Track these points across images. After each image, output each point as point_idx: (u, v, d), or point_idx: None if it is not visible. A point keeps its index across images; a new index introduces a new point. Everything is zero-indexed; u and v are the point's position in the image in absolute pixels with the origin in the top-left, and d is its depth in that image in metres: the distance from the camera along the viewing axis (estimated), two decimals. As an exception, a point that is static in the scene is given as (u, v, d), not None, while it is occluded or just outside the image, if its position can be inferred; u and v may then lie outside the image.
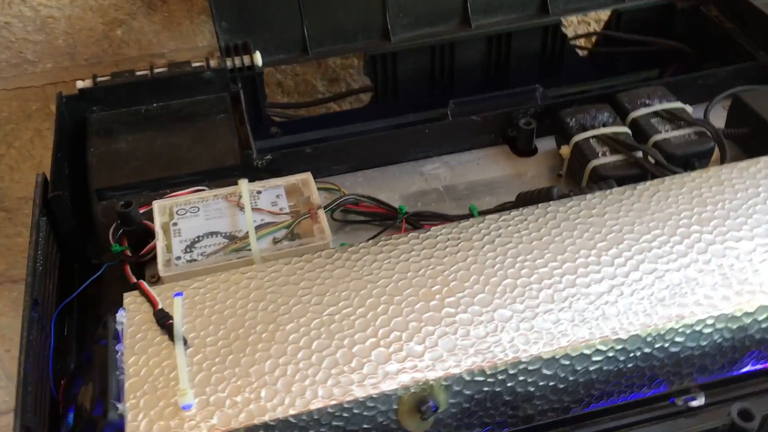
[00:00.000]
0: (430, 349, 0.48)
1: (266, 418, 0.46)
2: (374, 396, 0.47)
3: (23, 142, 0.99)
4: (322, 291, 0.53)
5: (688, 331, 0.50)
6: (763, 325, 0.51)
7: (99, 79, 0.74)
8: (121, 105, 0.74)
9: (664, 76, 0.88)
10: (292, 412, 0.46)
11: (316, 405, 0.46)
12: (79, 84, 0.73)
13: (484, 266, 0.53)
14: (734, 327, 0.50)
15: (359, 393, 0.47)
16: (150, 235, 0.63)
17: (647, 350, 0.50)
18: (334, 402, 0.46)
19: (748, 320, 0.50)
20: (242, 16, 0.78)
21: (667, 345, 0.50)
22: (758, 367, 0.53)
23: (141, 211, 0.63)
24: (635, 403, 0.52)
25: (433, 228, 0.57)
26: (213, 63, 0.75)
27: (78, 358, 0.56)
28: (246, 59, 0.76)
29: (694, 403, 0.51)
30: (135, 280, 0.59)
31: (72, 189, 0.68)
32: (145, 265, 0.63)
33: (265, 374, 0.48)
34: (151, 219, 0.63)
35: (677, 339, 0.50)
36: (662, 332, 0.49)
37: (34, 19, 0.89)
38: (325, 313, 0.51)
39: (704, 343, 0.50)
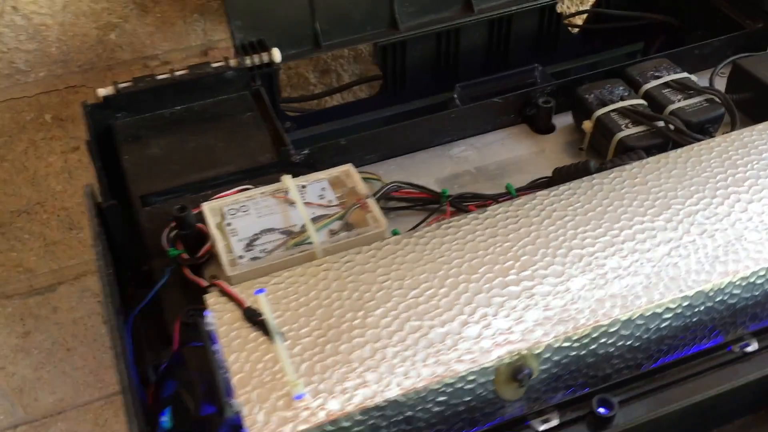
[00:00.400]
0: (517, 322, 0.52)
1: (377, 399, 0.48)
2: (474, 370, 0.50)
3: (16, 154, 0.97)
4: (401, 276, 0.55)
5: (743, 284, 0.54)
6: (806, 272, 0.56)
7: (121, 85, 0.73)
8: (145, 110, 0.74)
9: (651, 49, 0.93)
10: (400, 392, 0.49)
11: (421, 384, 0.49)
12: (102, 91, 0.72)
13: (548, 240, 0.57)
14: (782, 276, 0.55)
15: (460, 368, 0.50)
16: (202, 237, 0.64)
17: (709, 304, 0.54)
18: (438, 379, 0.49)
19: (793, 269, 0.55)
20: (254, 14, 0.78)
21: (726, 297, 0.54)
22: (801, 310, 0.58)
23: (188, 215, 0.64)
24: (697, 354, 0.56)
25: (489, 207, 0.60)
26: (232, 62, 0.76)
27: (168, 361, 0.57)
28: (265, 56, 0.76)
29: (749, 349, 0.56)
30: (205, 283, 0.60)
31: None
32: (201, 267, 0.64)
33: (366, 359, 0.50)
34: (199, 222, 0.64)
35: (735, 291, 0.54)
36: (722, 286, 0.54)
37: (26, 27, 0.87)
38: (409, 297, 0.53)
39: (757, 293, 0.55)
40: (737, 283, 0.54)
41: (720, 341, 0.56)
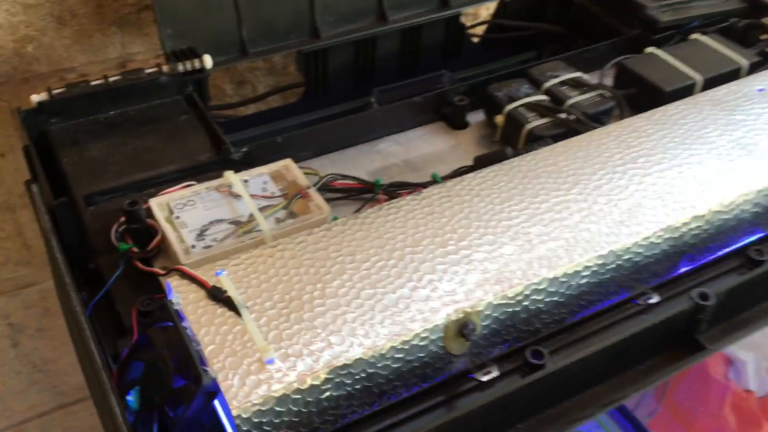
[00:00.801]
0: (460, 284, 0.58)
1: (342, 359, 0.53)
2: (426, 327, 0.55)
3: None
4: (352, 252, 0.60)
5: (645, 243, 0.63)
6: (695, 233, 0.66)
7: (55, 91, 0.74)
8: (80, 115, 0.76)
9: (543, 56, 1.04)
10: (362, 351, 0.53)
11: (381, 342, 0.54)
12: (35, 98, 0.74)
13: (480, 214, 0.64)
14: (675, 236, 0.65)
15: (414, 327, 0.55)
16: (150, 232, 0.66)
17: (618, 262, 0.63)
18: (395, 338, 0.54)
19: (684, 229, 0.65)
20: (184, 23, 0.82)
21: (632, 256, 0.63)
22: (691, 266, 0.68)
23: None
24: (610, 308, 0.64)
25: (425, 190, 0.66)
26: (165, 68, 0.79)
27: (134, 344, 0.58)
28: (196, 62, 0.80)
29: (652, 301, 0.65)
30: (161, 272, 0.62)
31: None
32: (150, 261, 0.66)
33: (329, 324, 0.55)
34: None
35: (638, 250, 0.63)
36: (628, 246, 0.62)
37: (-58, 40, 0.87)
38: (362, 269, 0.59)
39: (656, 251, 0.64)
40: (640, 242, 0.63)
41: (628, 295, 0.65)
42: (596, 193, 0.66)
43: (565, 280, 0.60)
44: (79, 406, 1.33)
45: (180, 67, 0.79)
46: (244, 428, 0.51)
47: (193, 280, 0.58)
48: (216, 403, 0.52)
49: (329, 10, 0.89)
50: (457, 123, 0.85)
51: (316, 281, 0.58)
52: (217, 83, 1.08)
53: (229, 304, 0.56)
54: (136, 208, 0.64)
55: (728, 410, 2.12)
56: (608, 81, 0.87)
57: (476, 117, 0.86)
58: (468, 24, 1.02)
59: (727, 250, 0.70)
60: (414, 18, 0.94)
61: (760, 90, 0.78)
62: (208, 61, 0.80)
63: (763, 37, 0.93)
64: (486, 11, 1.11)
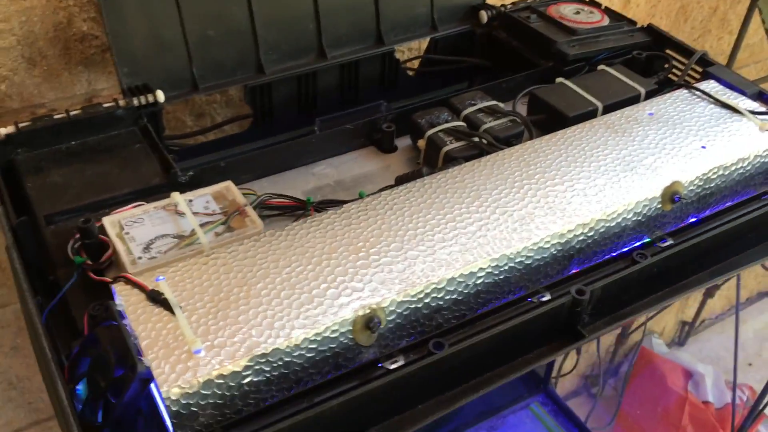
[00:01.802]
0: (368, 284, 0.67)
1: (261, 349, 0.62)
2: (336, 321, 0.64)
3: None
4: (276, 258, 0.69)
5: (535, 247, 0.73)
6: (580, 238, 0.75)
7: (21, 124, 0.83)
8: (44, 146, 0.85)
9: (473, 86, 1.14)
10: (279, 342, 0.62)
11: (295, 334, 0.63)
12: (3, 131, 0.83)
13: (390, 225, 0.73)
14: (563, 241, 0.74)
15: (325, 321, 0.64)
16: (103, 247, 0.75)
17: (511, 264, 0.72)
18: (308, 329, 0.63)
19: (570, 235, 0.74)
20: (140, 62, 0.91)
21: (523, 259, 0.72)
22: (582, 268, 0.77)
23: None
24: (506, 305, 0.73)
25: (344, 206, 0.76)
26: (122, 102, 0.88)
27: (82, 341, 0.67)
28: (150, 97, 0.89)
29: (544, 299, 0.74)
30: (110, 280, 0.71)
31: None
32: (102, 272, 0.75)
33: (251, 320, 0.63)
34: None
35: (529, 254, 0.72)
36: (519, 250, 0.72)
37: None
38: (283, 273, 0.68)
39: (546, 255, 0.74)
40: (530, 247, 0.72)
41: (522, 294, 0.74)
42: (494, 206, 0.75)
43: (462, 280, 0.70)
44: (54, 422, 1.39)
45: (135, 102, 0.89)
46: (174, 409, 0.59)
47: (136, 285, 0.67)
48: (153, 387, 0.60)
49: (272, 49, 0.99)
50: (386, 147, 0.94)
51: (242, 284, 0.67)
52: (178, 115, 1.18)
53: (165, 304, 0.64)
54: (89, 225, 0.73)
55: (687, 421, 2.21)
56: (522, 108, 0.97)
57: (405, 141, 0.96)
58: (403, 59, 1.12)
59: (616, 253, 0.79)
60: (351, 54, 1.04)
61: (650, 114, 0.88)
62: (160, 95, 0.90)
63: (667, 66, 1.03)
64: (419, 46, 1.22)
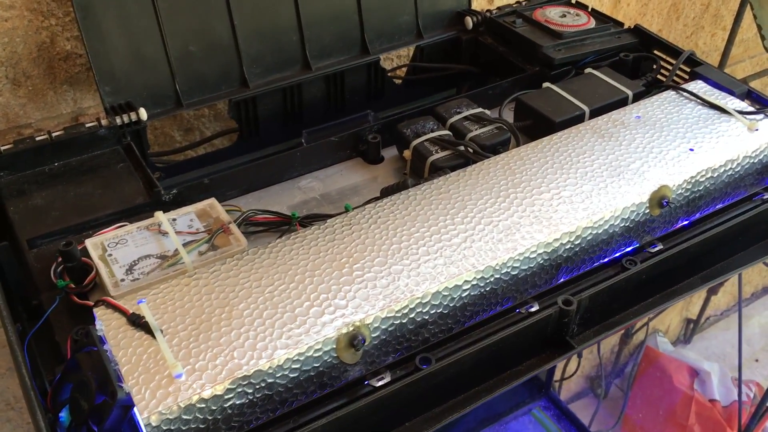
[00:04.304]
0: (351, 301, 0.66)
1: (243, 371, 0.61)
2: (319, 340, 0.63)
3: None
4: (258, 277, 0.68)
5: (521, 258, 0.72)
6: (567, 247, 0.74)
7: (2, 147, 0.83)
8: (27, 168, 0.84)
9: (461, 92, 1.13)
10: (261, 363, 0.61)
11: (277, 355, 0.62)
12: (-16, 154, 0.82)
13: (374, 239, 0.72)
14: (549, 250, 0.73)
15: (308, 341, 0.63)
16: (86, 269, 0.75)
17: (497, 276, 0.71)
18: (290, 350, 0.62)
19: (557, 244, 0.73)
20: (121, 80, 0.91)
21: (509, 270, 0.71)
22: (569, 276, 0.76)
23: (72, 251, 0.74)
24: (493, 317, 0.72)
25: (328, 220, 0.75)
26: (104, 122, 0.88)
27: (64, 367, 0.66)
28: (133, 115, 0.89)
29: (532, 309, 0.73)
30: (92, 304, 0.70)
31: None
32: (86, 295, 0.74)
33: (233, 341, 0.63)
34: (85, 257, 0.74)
35: (515, 264, 0.72)
36: (505, 261, 0.71)
37: None
38: (266, 291, 0.67)
39: (532, 265, 0.73)
40: (516, 257, 0.71)
41: (510, 305, 0.73)
42: (479, 216, 0.74)
43: (447, 293, 0.69)
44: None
45: (118, 121, 0.88)
46: (156, 435, 0.58)
47: (117, 309, 0.66)
48: (136, 411, 0.59)
49: (256, 62, 0.98)
50: (372, 158, 0.93)
51: (224, 305, 0.66)
52: (166, 131, 1.17)
53: (145, 328, 0.64)
54: (70, 248, 0.72)
55: (694, 420, 2.19)
56: (509, 114, 0.96)
57: (392, 152, 0.95)
58: (389, 67, 1.12)
59: (606, 260, 0.78)
60: (336, 65, 1.03)
61: (637, 117, 0.87)
62: (143, 114, 0.89)
63: (655, 67, 1.02)
64: (407, 53, 1.21)
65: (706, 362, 2.35)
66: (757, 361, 2.55)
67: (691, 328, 2.63)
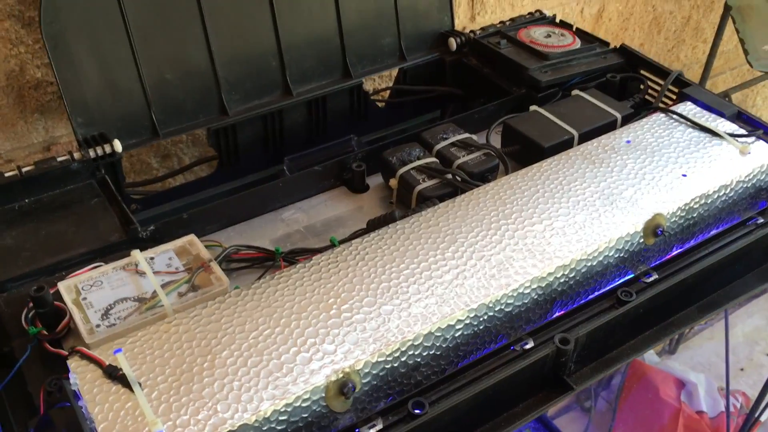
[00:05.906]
0: (340, 345, 0.63)
1: (227, 426, 0.57)
2: (307, 389, 0.60)
3: None
4: (242, 322, 0.65)
5: (514, 294, 0.69)
6: (562, 280, 0.72)
7: (-31, 184, 0.79)
8: (-6, 206, 0.80)
9: (446, 114, 1.11)
10: (246, 417, 0.58)
11: (264, 407, 0.59)
12: (-50, 192, 0.78)
13: (362, 277, 0.69)
14: (543, 285, 0.71)
15: (295, 390, 0.60)
16: (60, 314, 0.71)
17: (491, 313, 0.68)
18: (277, 401, 0.59)
19: (551, 278, 0.71)
20: (94, 111, 0.87)
21: (503, 306, 0.69)
22: (564, 311, 0.73)
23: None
24: (488, 356, 0.70)
25: (314, 257, 0.72)
26: (77, 155, 0.84)
27: (37, 424, 0.62)
28: (107, 147, 0.85)
29: (527, 346, 0.70)
30: (66, 353, 0.67)
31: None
32: (60, 342, 0.70)
33: (215, 393, 0.59)
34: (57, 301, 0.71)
35: (509, 301, 0.69)
36: (498, 298, 0.68)
37: None
38: (250, 338, 0.64)
39: (527, 301, 0.70)
40: (509, 294, 0.69)
41: (504, 343, 0.70)
42: (470, 251, 0.72)
43: (439, 334, 0.66)
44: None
45: (91, 153, 0.85)
46: (135, 498, 0.55)
47: (92, 360, 0.62)
48: (111, 475, 0.56)
49: (235, 89, 0.95)
50: (357, 187, 0.90)
51: (206, 353, 0.62)
52: (143, 158, 1.14)
53: (123, 381, 0.60)
54: (42, 293, 0.69)
55: (681, 432, 2.17)
56: (497, 138, 0.94)
57: (377, 179, 0.92)
58: (372, 89, 1.09)
59: (600, 292, 0.76)
60: (318, 90, 1.01)
61: (628, 142, 0.85)
62: (117, 146, 0.86)
63: (642, 87, 1.00)
64: (390, 75, 1.19)
65: (693, 373, 2.34)
66: (742, 370, 2.55)
67: (676, 339, 2.62)
